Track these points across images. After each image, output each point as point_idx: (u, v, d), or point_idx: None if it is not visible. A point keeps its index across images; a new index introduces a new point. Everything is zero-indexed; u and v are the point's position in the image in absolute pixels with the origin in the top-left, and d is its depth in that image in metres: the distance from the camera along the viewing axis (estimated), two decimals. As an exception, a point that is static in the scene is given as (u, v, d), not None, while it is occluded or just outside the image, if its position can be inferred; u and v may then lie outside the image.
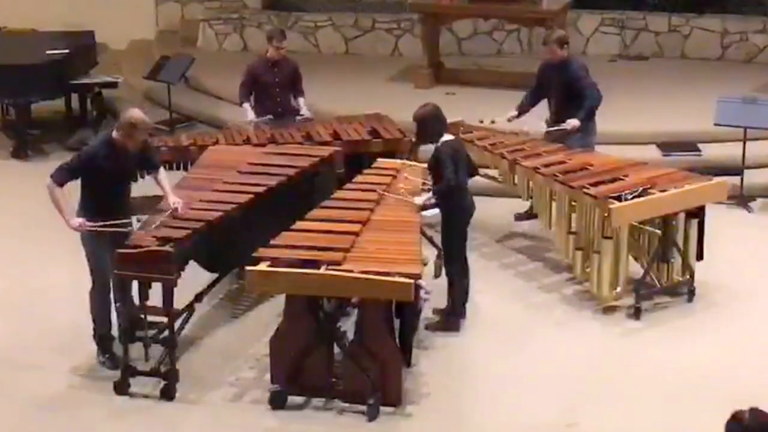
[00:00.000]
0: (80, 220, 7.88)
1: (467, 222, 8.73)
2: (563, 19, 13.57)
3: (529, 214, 10.35)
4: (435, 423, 7.53)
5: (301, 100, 10.89)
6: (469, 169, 8.79)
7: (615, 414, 7.58)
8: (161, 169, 8.40)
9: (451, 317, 8.71)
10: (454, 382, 7.99)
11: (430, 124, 8.57)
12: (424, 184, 8.90)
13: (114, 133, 7.99)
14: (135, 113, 8.02)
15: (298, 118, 10.75)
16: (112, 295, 8.06)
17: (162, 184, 8.33)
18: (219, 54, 15.05)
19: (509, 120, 10.45)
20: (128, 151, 8.00)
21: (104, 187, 7.96)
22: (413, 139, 9.96)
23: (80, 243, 8.06)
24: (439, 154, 8.53)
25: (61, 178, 7.92)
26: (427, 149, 9.89)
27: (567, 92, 10.18)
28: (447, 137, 8.63)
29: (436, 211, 8.69)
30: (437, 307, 8.75)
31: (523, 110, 10.49)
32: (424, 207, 8.63)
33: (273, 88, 10.77)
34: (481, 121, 10.61)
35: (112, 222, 7.90)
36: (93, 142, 8.19)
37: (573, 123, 10.05)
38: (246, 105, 10.78)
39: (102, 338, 8.17)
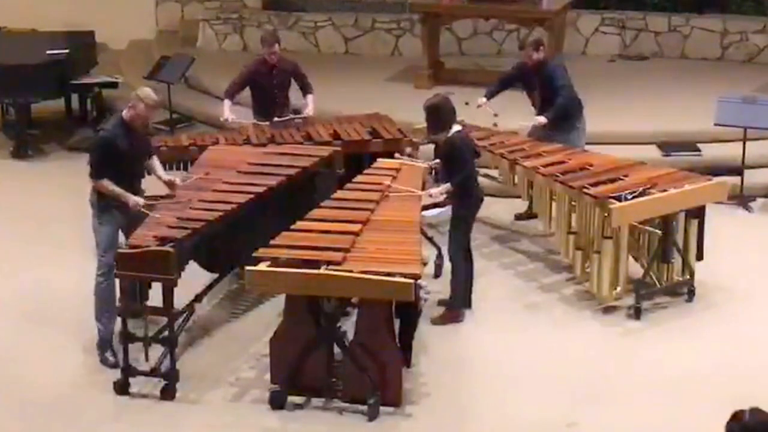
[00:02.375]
0: (138, 198, 8.14)
1: (476, 211, 8.77)
2: (563, 19, 13.57)
3: (529, 214, 10.35)
4: (435, 423, 7.53)
5: (309, 98, 10.79)
6: (475, 154, 8.88)
7: (615, 414, 7.58)
8: (155, 157, 8.65)
9: (453, 308, 8.72)
10: (454, 382, 7.99)
11: (441, 113, 8.60)
12: (423, 184, 8.91)
13: (125, 113, 8.17)
14: (145, 90, 8.22)
15: (297, 119, 10.69)
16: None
17: (156, 170, 8.53)
18: (219, 54, 15.05)
19: (478, 106, 10.45)
20: (139, 129, 8.24)
21: (122, 169, 8.13)
22: (414, 140, 9.99)
23: (88, 237, 8.12)
24: (454, 144, 8.56)
25: (98, 174, 8.12)
26: (428, 149, 9.93)
27: (546, 93, 10.25)
28: (456, 127, 8.66)
29: (437, 211, 8.70)
30: (442, 299, 8.77)
31: (491, 94, 10.54)
32: (439, 202, 8.66)
33: (271, 90, 10.75)
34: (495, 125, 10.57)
35: (158, 195, 8.31)
36: (106, 126, 8.38)
37: (539, 119, 10.14)
38: (227, 102, 10.68)
39: (103, 336, 8.17)
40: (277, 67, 10.72)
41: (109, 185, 8.11)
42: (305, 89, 10.85)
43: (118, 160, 8.12)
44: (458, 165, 8.56)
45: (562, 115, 10.19)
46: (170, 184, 8.47)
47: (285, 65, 10.80)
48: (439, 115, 8.63)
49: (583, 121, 10.42)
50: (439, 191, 8.58)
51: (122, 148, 8.11)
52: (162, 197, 8.46)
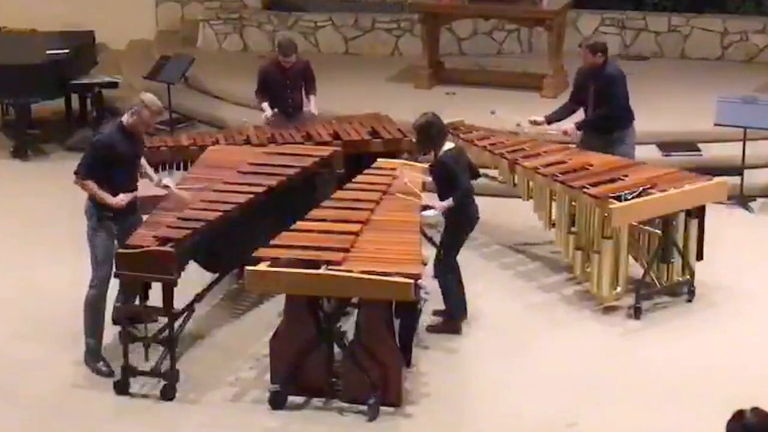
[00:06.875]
0: (121, 195, 7.99)
1: (469, 230, 8.69)
2: (563, 19, 13.56)
3: None
4: (435, 423, 7.53)
5: (312, 98, 10.91)
6: (471, 173, 8.76)
7: (615, 414, 7.58)
8: (143, 159, 8.50)
9: (451, 320, 8.67)
10: (454, 382, 7.99)
11: (430, 133, 8.50)
12: (424, 183, 8.90)
13: (125, 119, 8.10)
14: (148, 96, 8.18)
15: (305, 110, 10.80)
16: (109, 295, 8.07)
17: (149, 173, 8.45)
18: (219, 54, 15.05)
19: (531, 123, 10.29)
20: (140, 135, 8.21)
21: (120, 173, 8.03)
22: (414, 140, 9.97)
23: (86, 241, 8.07)
24: (445, 164, 8.47)
25: (86, 173, 8.01)
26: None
27: (598, 98, 10.00)
28: (448, 145, 8.58)
29: (436, 211, 8.67)
30: (437, 309, 8.75)
31: (552, 119, 10.27)
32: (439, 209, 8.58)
33: (284, 89, 10.80)
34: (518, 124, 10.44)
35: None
36: (104, 131, 8.24)
37: (568, 127, 10.03)
38: (264, 104, 10.82)
39: (92, 348, 8.10)
40: (289, 69, 10.77)
41: (93, 186, 7.97)
42: (310, 90, 10.90)
43: (117, 165, 7.99)
44: (452, 184, 8.42)
45: (597, 125, 9.99)
46: (166, 188, 8.36)
47: (297, 65, 10.84)
48: (429, 134, 8.51)
49: (633, 134, 10.17)
50: (442, 206, 8.47)
51: (121, 151, 8.01)
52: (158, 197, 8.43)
